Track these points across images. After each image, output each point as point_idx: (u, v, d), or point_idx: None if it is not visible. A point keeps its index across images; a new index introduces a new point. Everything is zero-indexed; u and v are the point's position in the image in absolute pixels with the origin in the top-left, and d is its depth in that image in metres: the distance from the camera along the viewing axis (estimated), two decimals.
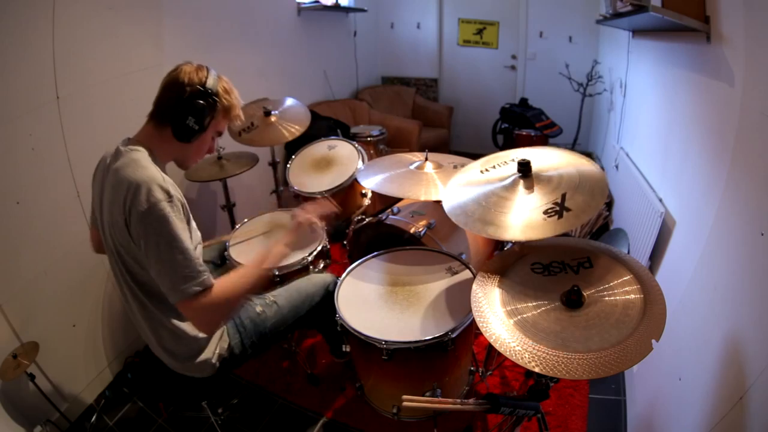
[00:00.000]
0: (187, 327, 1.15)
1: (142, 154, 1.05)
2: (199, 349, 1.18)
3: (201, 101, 1.06)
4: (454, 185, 1.27)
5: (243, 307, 1.30)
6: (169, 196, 0.99)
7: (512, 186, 1.14)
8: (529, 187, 1.11)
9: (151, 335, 1.15)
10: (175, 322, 1.13)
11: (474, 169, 1.31)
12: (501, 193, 1.13)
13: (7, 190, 1.47)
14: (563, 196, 1.06)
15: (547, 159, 1.21)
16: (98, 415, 1.75)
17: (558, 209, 1.03)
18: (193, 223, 1.11)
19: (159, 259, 0.97)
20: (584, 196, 1.05)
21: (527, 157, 1.16)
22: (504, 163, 1.27)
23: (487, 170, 1.26)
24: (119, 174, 1.01)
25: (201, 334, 1.17)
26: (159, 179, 1.00)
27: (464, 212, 1.13)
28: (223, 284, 1.03)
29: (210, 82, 1.08)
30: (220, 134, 1.19)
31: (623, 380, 1.79)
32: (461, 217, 1.13)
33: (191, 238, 1.03)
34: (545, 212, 1.03)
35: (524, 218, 1.05)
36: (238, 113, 1.18)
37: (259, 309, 1.33)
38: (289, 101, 2.41)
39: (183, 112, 1.06)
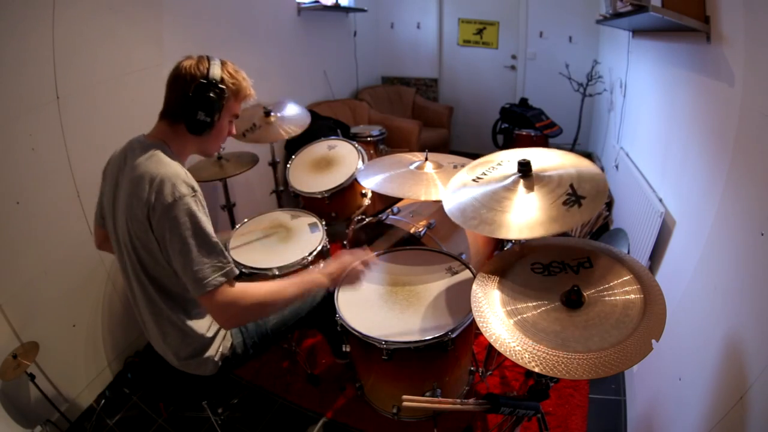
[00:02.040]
0: (194, 325, 1.15)
1: (160, 151, 1.06)
2: (203, 347, 1.18)
3: (208, 93, 1.06)
4: (453, 197, 1.21)
5: (271, 313, 1.30)
6: (194, 190, 1.01)
7: (513, 187, 1.12)
8: (530, 187, 1.11)
9: (156, 332, 1.15)
10: (184, 319, 1.13)
11: (466, 177, 1.27)
12: (508, 196, 1.11)
13: (7, 190, 1.47)
14: (572, 186, 1.05)
15: (534, 158, 1.20)
16: (98, 415, 1.75)
17: (574, 198, 1.03)
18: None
19: (184, 252, 0.97)
20: (589, 183, 1.05)
21: (512, 158, 1.16)
22: (492, 168, 1.24)
23: (479, 178, 1.23)
24: (140, 169, 1.01)
25: (207, 333, 1.17)
26: (182, 175, 1.02)
27: (482, 221, 1.08)
28: (253, 284, 1.05)
29: (213, 72, 1.07)
30: (236, 116, 1.20)
31: (623, 380, 1.79)
32: (483, 227, 1.07)
33: None
34: (564, 203, 1.03)
35: (548, 214, 1.02)
36: (249, 93, 1.17)
37: None
38: (289, 106, 2.39)
39: (192, 108, 1.06)
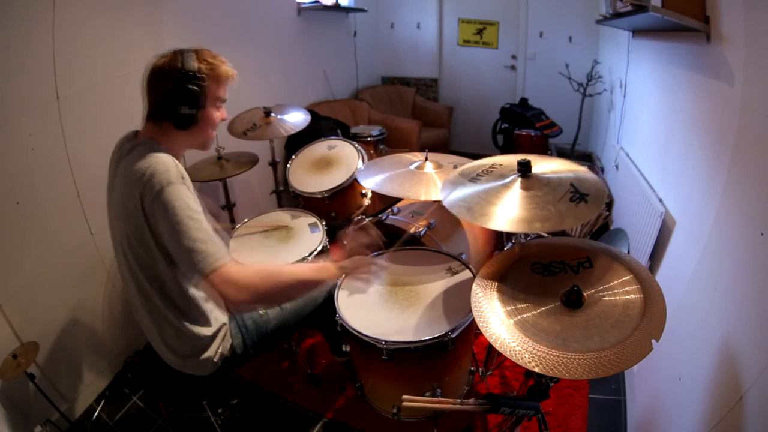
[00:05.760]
0: (192, 324, 1.15)
1: (152, 146, 1.06)
2: (201, 347, 1.18)
3: (187, 86, 1.05)
4: (463, 205, 1.16)
5: (285, 295, 1.22)
6: (182, 177, 1.01)
7: (511, 186, 1.11)
8: (530, 187, 1.10)
9: (154, 331, 1.15)
10: (181, 318, 1.13)
11: (465, 186, 1.22)
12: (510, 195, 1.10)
13: (7, 190, 1.47)
14: (573, 185, 1.06)
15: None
16: (98, 415, 1.75)
17: (578, 196, 1.03)
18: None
19: (181, 233, 0.96)
20: (588, 183, 1.06)
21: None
22: (486, 171, 1.23)
23: (479, 177, 1.22)
24: (132, 166, 1.01)
25: (206, 333, 1.17)
26: (172, 164, 1.01)
27: (503, 218, 1.05)
28: (261, 266, 1.04)
29: (187, 64, 1.06)
30: (224, 101, 1.18)
31: (623, 380, 1.79)
32: (522, 223, 1.03)
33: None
34: (571, 200, 1.03)
35: (560, 209, 1.01)
36: (230, 74, 1.15)
37: (261, 310, 1.34)
38: (291, 112, 2.38)
39: (174, 104, 1.06)
